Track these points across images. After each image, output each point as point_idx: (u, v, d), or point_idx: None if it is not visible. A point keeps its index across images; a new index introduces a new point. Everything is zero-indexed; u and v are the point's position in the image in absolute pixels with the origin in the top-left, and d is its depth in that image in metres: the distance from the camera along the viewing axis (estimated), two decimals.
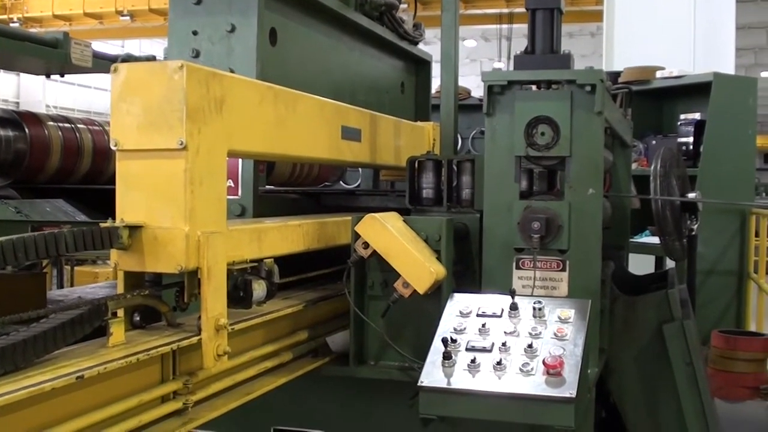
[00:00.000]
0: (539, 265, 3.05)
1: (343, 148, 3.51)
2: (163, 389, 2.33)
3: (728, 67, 9.30)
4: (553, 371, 2.55)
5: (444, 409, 2.65)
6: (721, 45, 9.65)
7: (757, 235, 7.29)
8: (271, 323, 2.90)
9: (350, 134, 3.55)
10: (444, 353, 2.64)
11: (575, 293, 3.02)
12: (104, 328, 2.25)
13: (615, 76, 7.61)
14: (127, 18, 22.18)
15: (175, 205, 2.36)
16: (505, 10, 22.58)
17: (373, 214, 3.08)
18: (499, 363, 2.61)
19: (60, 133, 4.71)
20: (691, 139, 7.36)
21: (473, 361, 2.64)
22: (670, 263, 5.06)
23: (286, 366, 3.01)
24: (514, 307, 2.82)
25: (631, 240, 5.55)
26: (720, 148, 7.04)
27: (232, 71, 3.30)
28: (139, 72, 2.41)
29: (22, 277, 4.05)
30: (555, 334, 2.71)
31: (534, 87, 3.15)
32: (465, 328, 2.79)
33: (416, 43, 5.57)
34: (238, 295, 2.61)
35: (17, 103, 27.19)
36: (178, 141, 2.35)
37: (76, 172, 4.84)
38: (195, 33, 3.56)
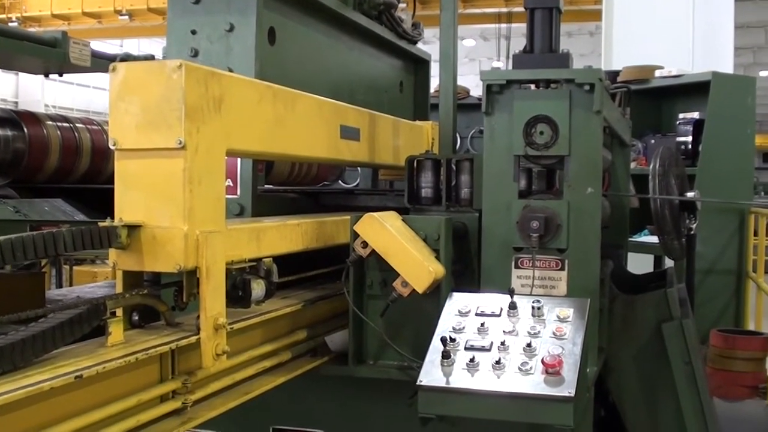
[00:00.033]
0: (538, 264, 3.05)
1: (342, 147, 3.51)
2: (162, 389, 2.33)
3: (727, 67, 9.30)
4: (551, 370, 2.55)
5: (443, 408, 2.65)
6: (720, 44, 9.65)
7: (755, 234, 7.28)
8: (270, 323, 2.90)
9: (349, 133, 3.55)
10: (443, 352, 2.64)
11: (574, 292, 3.02)
12: (103, 328, 2.26)
13: (614, 75, 7.60)
14: (126, 17, 22.17)
15: (173, 205, 2.36)
16: (504, 10, 22.58)
17: (371, 213, 3.08)
18: (498, 362, 2.61)
19: (59, 132, 4.70)
20: (689, 138, 7.36)
21: (472, 360, 2.64)
22: (668, 262, 5.06)
23: (284, 365, 3.01)
24: (512, 306, 2.82)
25: (630, 239, 5.54)
26: (719, 148, 7.04)
27: (230, 70, 3.30)
28: (138, 71, 2.41)
29: (20, 276, 4.04)
30: (554, 333, 2.72)
31: (533, 86, 3.15)
32: (464, 328, 2.79)
33: (415, 43, 5.57)
34: (237, 294, 2.61)
35: (16, 102, 27.17)
36: (176, 140, 2.35)
37: (75, 171, 4.83)
38: (194, 32, 3.56)
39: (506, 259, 3.10)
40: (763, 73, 30.35)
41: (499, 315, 2.82)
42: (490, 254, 3.13)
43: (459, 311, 2.88)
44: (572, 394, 2.51)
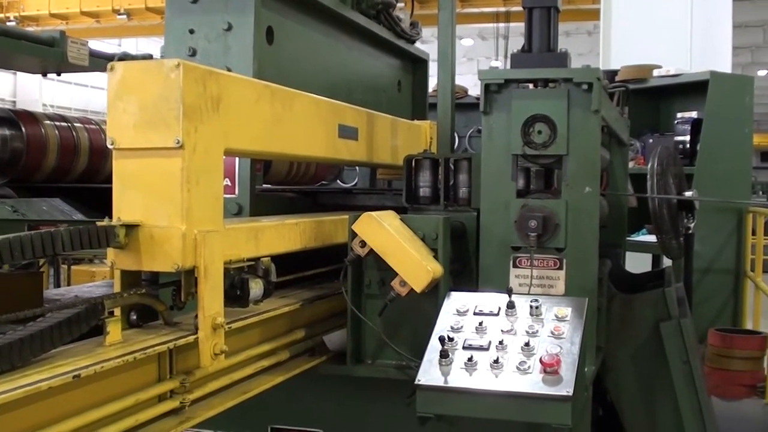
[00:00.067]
0: (536, 263, 3.05)
1: (340, 146, 3.51)
2: (160, 388, 2.33)
3: (725, 66, 9.31)
4: (550, 369, 2.56)
5: (441, 407, 2.65)
6: (718, 43, 9.66)
7: (753, 233, 7.29)
8: (268, 322, 2.90)
9: (347, 133, 3.55)
10: (441, 352, 2.65)
11: (572, 291, 3.02)
12: (101, 327, 2.25)
13: (612, 74, 7.60)
14: (124, 16, 22.14)
15: (171, 204, 2.36)
16: (502, 9, 22.56)
17: (370, 212, 3.08)
18: (496, 361, 2.61)
19: (57, 132, 4.70)
20: (687, 138, 7.36)
21: (470, 359, 2.64)
22: (667, 261, 5.07)
23: (283, 365, 3.01)
24: (511, 305, 2.82)
25: (628, 238, 5.55)
26: (717, 147, 7.04)
27: (228, 70, 3.30)
28: (136, 70, 2.41)
29: (18, 276, 4.04)
30: (552, 333, 2.72)
31: (531, 85, 3.15)
32: (462, 327, 2.79)
33: (413, 42, 5.56)
34: (235, 293, 2.61)
35: (14, 102, 27.17)
36: (174, 140, 2.35)
37: (73, 170, 4.83)
38: (192, 31, 3.56)
39: (504, 258, 3.10)
40: (761, 73, 30.39)
41: (498, 314, 2.82)
42: (488, 253, 3.13)
43: (457, 310, 2.88)
44: (570, 394, 2.51)
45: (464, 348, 2.70)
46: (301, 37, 4.07)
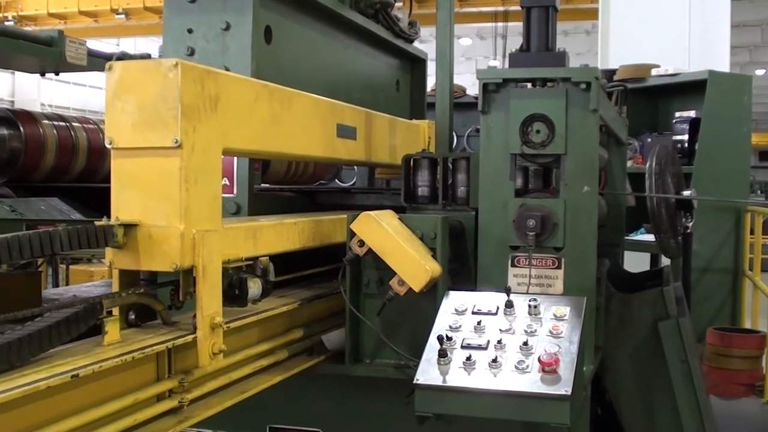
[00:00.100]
0: (534, 262, 3.05)
1: (339, 146, 3.51)
2: (159, 387, 2.33)
3: (723, 65, 9.32)
4: (548, 369, 2.56)
5: (440, 406, 2.65)
6: (716, 43, 9.66)
7: (752, 232, 7.30)
8: (267, 321, 2.90)
9: (345, 132, 3.55)
10: (439, 351, 2.65)
11: (570, 291, 3.02)
12: (99, 327, 2.25)
13: (610, 73, 7.61)
14: (122, 16, 22.11)
15: (170, 204, 2.36)
16: (501, 8, 22.54)
17: (368, 212, 3.08)
18: (494, 360, 2.61)
19: (55, 131, 4.69)
20: (686, 137, 7.38)
21: (469, 358, 2.64)
22: (665, 261, 5.07)
23: (281, 364, 3.01)
24: (509, 304, 2.83)
25: (627, 238, 5.55)
26: (715, 146, 7.05)
27: (227, 69, 3.30)
28: (134, 70, 2.41)
29: (17, 275, 4.03)
30: (550, 332, 2.72)
31: (529, 85, 3.15)
32: (460, 326, 2.79)
33: (411, 41, 5.56)
34: (234, 293, 2.61)
35: (12, 101, 27.14)
36: (173, 139, 2.35)
37: (71, 170, 4.82)
38: (190, 31, 3.56)
39: (503, 257, 3.10)
40: (759, 72, 30.41)
41: (496, 313, 2.83)
42: (486, 253, 3.13)
43: (456, 310, 2.88)
44: (569, 393, 2.51)
45: (463, 347, 2.70)
46: (300, 36, 4.07)
